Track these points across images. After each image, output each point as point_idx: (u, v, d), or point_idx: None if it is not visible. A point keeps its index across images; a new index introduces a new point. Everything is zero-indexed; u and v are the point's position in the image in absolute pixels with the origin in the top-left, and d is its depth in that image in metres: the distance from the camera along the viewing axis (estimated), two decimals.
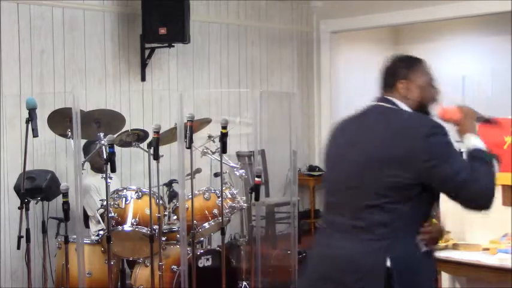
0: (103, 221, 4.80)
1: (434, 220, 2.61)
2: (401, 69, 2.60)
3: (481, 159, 2.39)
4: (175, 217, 4.90)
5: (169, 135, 4.88)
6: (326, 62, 7.95)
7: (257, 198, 4.54)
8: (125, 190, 4.72)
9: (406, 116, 2.49)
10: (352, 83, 8.46)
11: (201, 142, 5.03)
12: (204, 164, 5.30)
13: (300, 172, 7.26)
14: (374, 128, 2.52)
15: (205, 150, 4.99)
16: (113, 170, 4.20)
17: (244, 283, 5.10)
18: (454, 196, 2.37)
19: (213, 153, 4.94)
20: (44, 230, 4.67)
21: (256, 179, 4.50)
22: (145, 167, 4.73)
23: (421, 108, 2.55)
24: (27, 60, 5.53)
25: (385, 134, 2.45)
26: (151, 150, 4.44)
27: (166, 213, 4.85)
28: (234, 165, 5.16)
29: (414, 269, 2.39)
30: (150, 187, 4.60)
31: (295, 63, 7.82)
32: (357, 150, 2.51)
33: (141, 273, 4.77)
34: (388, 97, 2.59)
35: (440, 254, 3.50)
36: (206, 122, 5.15)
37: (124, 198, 4.66)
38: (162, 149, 4.54)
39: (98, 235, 4.77)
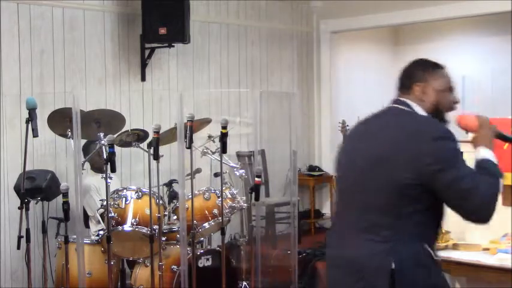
0: (103, 221, 4.80)
1: None
2: (418, 72, 2.58)
3: (487, 170, 2.38)
4: (175, 217, 4.90)
5: (169, 135, 4.88)
6: (326, 62, 7.95)
7: (257, 198, 4.54)
8: (125, 190, 4.72)
9: (416, 119, 2.49)
10: (352, 83, 8.48)
11: (201, 142, 5.03)
12: (204, 164, 5.30)
13: (300, 172, 7.26)
14: (384, 130, 2.52)
15: (205, 150, 4.99)
16: (113, 170, 4.20)
17: (244, 283, 5.10)
18: (455, 205, 2.36)
19: (213, 153, 4.94)
20: (44, 230, 4.66)
21: (256, 179, 4.50)
22: (145, 167, 4.73)
23: (437, 112, 2.54)
24: (27, 60, 5.53)
25: (393, 136, 2.46)
26: (151, 150, 4.44)
27: (166, 213, 4.85)
28: (234, 165, 5.16)
29: (418, 273, 2.38)
30: (150, 187, 4.59)
31: (295, 63, 7.82)
32: (365, 151, 2.52)
33: (141, 273, 4.77)
34: (404, 99, 2.57)
35: (440, 254, 3.50)
36: (206, 122, 5.15)
37: (124, 198, 4.66)
38: (162, 149, 4.54)
39: (98, 235, 4.77)
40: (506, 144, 3.56)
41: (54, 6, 5.69)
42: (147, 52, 6.24)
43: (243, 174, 5.05)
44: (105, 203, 4.47)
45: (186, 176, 4.65)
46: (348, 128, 6.97)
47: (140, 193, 4.69)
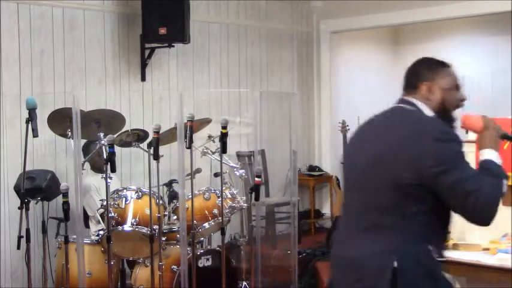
0: (103, 221, 4.80)
1: None
2: (424, 71, 2.56)
3: (490, 172, 2.37)
4: (175, 217, 4.90)
5: (169, 135, 4.88)
6: (326, 62, 7.95)
7: (257, 198, 4.54)
8: (125, 190, 4.72)
9: (420, 120, 2.47)
10: (352, 83, 8.47)
11: (201, 142, 5.03)
12: (204, 164, 5.30)
13: (300, 172, 7.26)
14: (388, 130, 2.51)
15: (205, 150, 4.99)
16: (113, 170, 4.20)
17: (244, 283, 5.10)
18: (458, 207, 2.35)
19: (213, 153, 4.94)
20: (44, 230, 4.66)
21: (256, 179, 4.50)
22: (145, 167, 4.73)
23: (444, 111, 2.53)
24: (27, 61, 5.53)
25: (396, 136, 2.45)
26: (151, 150, 4.44)
27: (166, 213, 4.85)
28: (234, 165, 5.16)
29: (419, 273, 2.37)
30: (150, 187, 4.60)
31: (295, 63, 7.82)
32: (368, 151, 2.52)
33: (141, 273, 4.77)
34: (409, 99, 2.56)
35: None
36: (206, 122, 5.15)
37: (124, 198, 4.66)
38: (162, 149, 4.54)
39: (98, 235, 4.77)
40: (507, 144, 3.56)
41: (54, 6, 5.69)
42: (147, 52, 6.24)
43: (243, 174, 5.05)
44: (105, 203, 4.47)
45: (186, 176, 4.65)
46: (348, 128, 6.98)
47: (140, 193, 4.69)
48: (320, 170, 7.76)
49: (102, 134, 4.48)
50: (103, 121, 4.69)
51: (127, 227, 4.61)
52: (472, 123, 2.56)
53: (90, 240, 4.77)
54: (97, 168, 5.23)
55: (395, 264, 2.34)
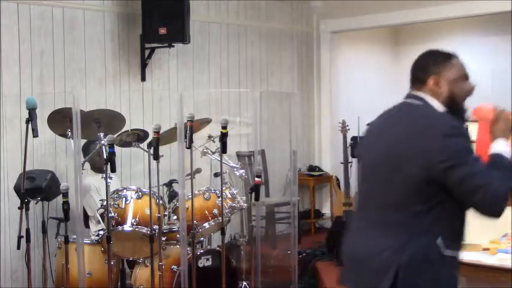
0: (103, 221, 4.80)
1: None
2: (430, 65, 2.54)
3: (500, 164, 2.37)
4: (175, 217, 4.90)
5: (169, 135, 4.88)
6: (326, 62, 7.95)
7: (257, 198, 4.54)
8: (125, 190, 4.72)
9: (428, 115, 2.47)
10: (352, 83, 8.47)
11: (201, 142, 5.03)
12: (204, 164, 5.30)
13: (300, 172, 7.26)
14: (396, 127, 2.52)
15: (205, 150, 4.99)
16: (113, 170, 4.20)
17: (244, 283, 5.10)
18: (468, 201, 2.35)
19: (213, 153, 4.94)
20: (44, 230, 4.66)
21: (256, 179, 4.50)
22: (145, 167, 4.73)
23: (453, 103, 2.52)
24: (27, 61, 5.53)
25: (405, 132, 2.45)
26: (151, 150, 4.44)
27: (166, 213, 4.85)
28: (234, 165, 5.16)
29: (426, 271, 2.37)
30: (150, 187, 4.60)
31: (295, 63, 7.82)
32: (378, 148, 2.53)
33: (141, 273, 4.77)
34: (418, 94, 2.55)
35: None
36: (206, 122, 5.15)
37: (124, 198, 4.66)
38: (162, 149, 4.55)
39: (98, 235, 4.77)
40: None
41: (54, 6, 5.69)
42: (147, 52, 6.24)
43: (243, 174, 5.06)
44: (105, 203, 4.47)
45: (186, 176, 4.65)
46: (348, 128, 6.98)
47: (140, 193, 4.69)
48: (320, 170, 7.76)
49: (102, 134, 4.48)
50: (103, 121, 4.69)
51: (127, 227, 4.61)
52: (483, 115, 2.54)
53: (90, 240, 4.78)
54: (97, 168, 5.23)
55: (402, 260, 2.35)
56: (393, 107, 2.61)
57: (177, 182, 5.06)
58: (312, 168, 7.77)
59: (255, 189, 4.50)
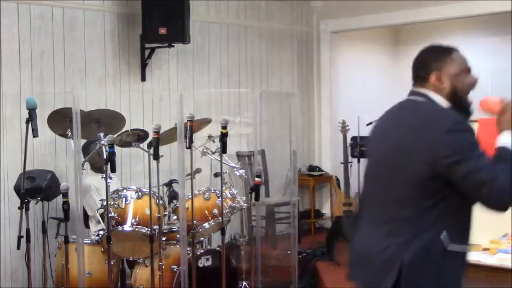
0: (103, 221, 4.80)
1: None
2: (431, 61, 2.54)
3: (506, 158, 2.35)
4: (175, 217, 4.90)
5: (169, 135, 4.88)
6: (326, 62, 7.95)
7: (257, 198, 4.54)
8: (125, 190, 4.72)
9: (430, 111, 2.47)
10: (352, 83, 8.47)
11: (201, 142, 5.03)
12: (204, 164, 5.30)
13: (300, 172, 7.26)
14: (399, 125, 2.52)
15: (205, 150, 4.99)
16: (113, 170, 4.20)
17: (244, 283, 5.10)
18: (474, 196, 2.34)
19: (213, 153, 4.94)
20: (44, 230, 4.66)
21: (256, 179, 4.50)
22: (145, 167, 4.73)
23: (456, 97, 2.51)
24: (27, 61, 5.53)
25: (408, 129, 2.45)
26: (151, 150, 4.44)
27: (166, 213, 4.85)
28: (234, 165, 5.16)
29: (429, 266, 2.37)
30: (150, 187, 4.59)
31: (295, 63, 7.82)
32: (383, 146, 2.54)
33: (141, 273, 4.77)
34: (421, 90, 2.55)
35: None
36: (206, 122, 5.15)
37: (124, 198, 4.66)
38: (162, 149, 4.54)
39: (98, 235, 4.77)
40: None
41: (54, 6, 5.69)
42: (147, 52, 6.24)
43: (243, 174, 5.06)
44: (105, 203, 4.47)
45: (186, 176, 4.65)
46: (348, 128, 6.97)
47: (140, 193, 4.69)
48: (320, 170, 7.76)
49: (102, 134, 4.48)
50: (103, 121, 4.69)
51: (127, 227, 4.61)
52: (490, 107, 2.54)
53: (90, 240, 4.78)
54: (97, 168, 5.23)
55: (405, 257, 2.35)
56: (396, 105, 2.62)
57: (177, 182, 5.06)
58: (312, 168, 7.77)
59: (255, 189, 4.50)
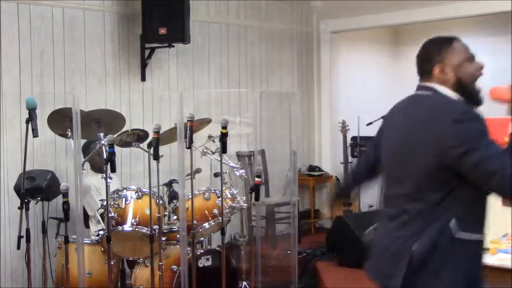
0: (103, 221, 4.80)
1: None
2: (433, 53, 2.56)
3: None
4: (175, 217, 4.90)
5: (169, 135, 4.88)
6: (326, 62, 7.95)
7: (257, 198, 4.54)
8: (125, 190, 4.72)
9: (437, 103, 2.47)
10: (352, 83, 8.47)
11: (201, 142, 5.03)
12: (204, 164, 5.30)
13: (300, 172, 7.26)
14: (407, 120, 2.53)
15: (205, 150, 4.99)
16: (113, 170, 4.20)
17: (244, 283, 5.10)
18: (484, 186, 2.33)
19: (213, 153, 4.94)
20: (44, 230, 4.66)
21: (256, 179, 4.50)
22: (145, 167, 4.73)
23: (463, 87, 2.50)
24: (27, 61, 5.53)
25: (416, 122, 2.46)
26: (151, 150, 4.44)
27: (166, 213, 4.85)
28: (234, 165, 5.16)
29: (435, 253, 2.38)
30: (150, 187, 4.59)
31: (295, 63, 7.82)
32: (391, 143, 2.57)
33: (141, 273, 4.77)
34: (427, 84, 2.55)
35: None
36: (206, 122, 5.15)
37: (124, 198, 4.66)
38: (162, 149, 4.54)
39: (98, 235, 4.77)
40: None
41: (54, 6, 5.69)
42: (147, 52, 6.24)
43: (243, 174, 5.05)
44: (105, 203, 4.47)
45: (186, 176, 4.65)
46: (348, 128, 6.98)
47: (140, 193, 4.69)
48: (320, 170, 7.76)
49: (102, 134, 4.48)
50: (103, 121, 4.69)
51: (127, 227, 4.61)
52: (499, 95, 2.53)
53: (90, 240, 4.78)
54: (97, 168, 5.23)
55: (414, 248, 2.37)
56: (404, 100, 2.63)
57: (177, 182, 5.05)
58: (312, 168, 7.77)
59: (255, 189, 4.50)
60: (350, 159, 6.80)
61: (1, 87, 5.37)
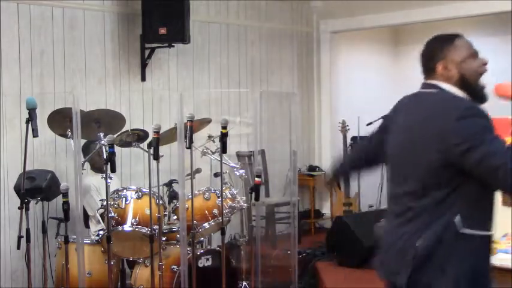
0: (103, 221, 4.80)
1: None
2: (436, 51, 2.56)
3: None
4: (175, 217, 4.90)
5: (169, 135, 4.88)
6: (326, 62, 7.95)
7: (257, 198, 4.54)
8: (125, 190, 4.72)
9: (441, 100, 2.47)
10: (352, 83, 8.47)
11: (201, 142, 5.03)
12: (204, 164, 5.30)
13: (300, 172, 7.26)
14: (410, 118, 2.53)
15: (205, 150, 4.99)
16: (113, 170, 4.20)
17: (244, 283, 5.10)
18: (488, 182, 2.31)
19: (213, 153, 4.94)
20: (44, 230, 4.66)
21: (256, 179, 4.50)
22: (145, 167, 4.73)
23: (467, 84, 2.50)
24: (27, 60, 5.53)
25: (420, 120, 2.47)
26: (151, 150, 4.44)
27: (166, 213, 4.85)
28: (234, 165, 5.16)
29: (438, 249, 2.38)
30: (150, 187, 4.59)
31: (295, 63, 7.82)
32: (398, 139, 2.57)
33: (141, 273, 4.77)
34: (431, 82, 2.56)
35: None
36: (206, 122, 5.15)
37: (124, 198, 4.66)
38: (162, 149, 4.54)
39: (98, 235, 4.77)
40: None
41: (54, 6, 5.69)
42: (147, 52, 6.24)
43: (243, 174, 5.05)
44: (105, 203, 4.47)
45: (186, 176, 4.65)
46: (348, 128, 6.97)
47: (140, 193, 4.69)
48: (320, 170, 7.76)
49: (102, 134, 4.48)
50: (103, 121, 4.69)
51: (127, 227, 4.61)
52: (503, 92, 2.52)
53: (90, 240, 4.78)
54: (97, 168, 5.23)
55: (419, 244, 2.38)
56: (407, 97, 2.63)
57: (177, 182, 5.05)
58: (312, 168, 7.77)
59: (255, 189, 4.50)
60: None
61: (1, 87, 5.37)
